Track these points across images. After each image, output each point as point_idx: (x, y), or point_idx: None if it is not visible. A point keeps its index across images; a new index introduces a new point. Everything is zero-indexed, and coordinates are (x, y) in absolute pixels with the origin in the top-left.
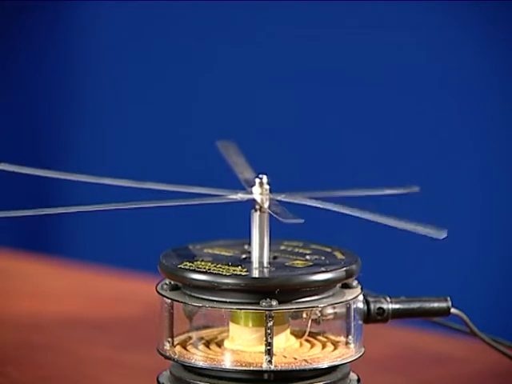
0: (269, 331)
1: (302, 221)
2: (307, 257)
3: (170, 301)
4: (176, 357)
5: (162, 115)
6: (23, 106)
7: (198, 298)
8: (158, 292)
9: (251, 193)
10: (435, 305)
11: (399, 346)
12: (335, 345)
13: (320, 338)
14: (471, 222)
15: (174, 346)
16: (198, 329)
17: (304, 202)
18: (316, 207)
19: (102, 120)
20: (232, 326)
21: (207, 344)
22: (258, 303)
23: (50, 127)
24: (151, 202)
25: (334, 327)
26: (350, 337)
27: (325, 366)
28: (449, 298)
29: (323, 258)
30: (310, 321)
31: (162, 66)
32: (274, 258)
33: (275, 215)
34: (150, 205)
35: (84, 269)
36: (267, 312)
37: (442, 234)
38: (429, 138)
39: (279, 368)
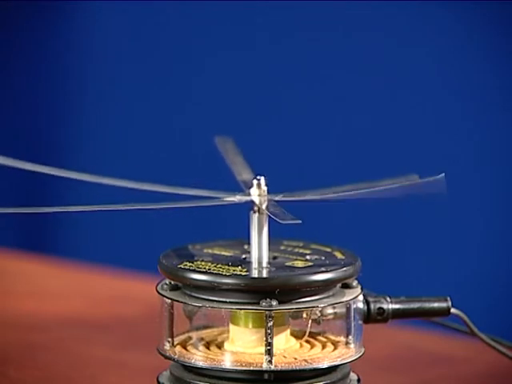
0: (269, 331)
1: (299, 221)
2: (307, 257)
3: (169, 301)
4: (176, 357)
5: (160, 116)
6: (23, 106)
7: (198, 298)
8: (158, 292)
9: (249, 194)
10: (435, 305)
11: (399, 346)
12: (335, 345)
13: (320, 338)
14: (471, 221)
15: (174, 346)
16: (198, 329)
17: (302, 198)
18: (316, 205)
19: (102, 120)
20: (232, 328)
21: (207, 345)
22: (258, 303)
23: (50, 126)
24: (150, 204)
25: (334, 327)
26: (350, 337)
27: (325, 366)
28: (449, 298)
29: (323, 258)
30: (310, 321)
31: (162, 67)
32: (274, 258)
33: (274, 217)
34: (149, 207)
35: (84, 269)
36: (267, 312)
37: (441, 180)
38: (428, 137)
39: (279, 368)
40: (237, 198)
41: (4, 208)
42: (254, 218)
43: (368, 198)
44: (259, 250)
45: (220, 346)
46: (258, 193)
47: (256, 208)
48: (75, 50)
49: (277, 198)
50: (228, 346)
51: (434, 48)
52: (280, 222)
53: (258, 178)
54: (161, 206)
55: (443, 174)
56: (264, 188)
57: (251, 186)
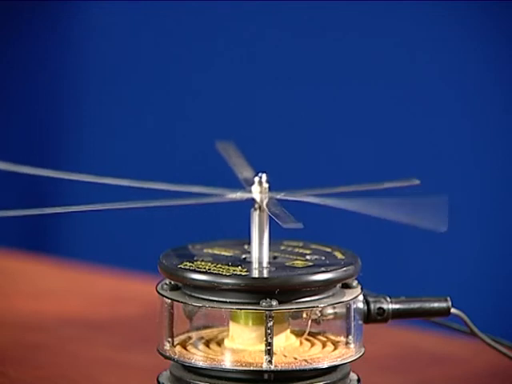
0: (269, 331)
1: (301, 226)
2: (307, 257)
3: (169, 301)
4: (176, 357)
5: (161, 115)
6: (23, 106)
7: (198, 298)
8: (158, 292)
9: (250, 192)
10: (435, 305)
11: (399, 346)
12: (335, 345)
13: (320, 337)
14: (471, 221)
15: (174, 346)
16: (198, 329)
17: (304, 199)
18: (316, 205)
19: (102, 120)
20: (232, 325)
21: (207, 344)
22: (258, 303)
23: (50, 127)
24: (150, 201)
25: (334, 327)
26: (350, 337)
27: (325, 365)
28: (449, 298)
29: (323, 258)
30: (309, 321)
31: (162, 67)
32: (274, 258)
33: (275, 218)
34: (150, 204)
35: (84, 268)
36: (267, 312)
37: (442, 228)
38: (428, 136)
39: (279, 368)
40: (238, 195)
41: (4, 211)
42: (255, 215)
43: (370, 214)
44: (259, 248)
45: (220, 345)
46: (259, 190)
47: (257, 206)
48: (75, 49)
49: (278, 196)
50: (228, 343)
51: (433, 49)
52: (281, 224)
53: (260, 175)
54: (161, 203)
55: (446, 197)
56: (265, 185)
57: (252, 183)
